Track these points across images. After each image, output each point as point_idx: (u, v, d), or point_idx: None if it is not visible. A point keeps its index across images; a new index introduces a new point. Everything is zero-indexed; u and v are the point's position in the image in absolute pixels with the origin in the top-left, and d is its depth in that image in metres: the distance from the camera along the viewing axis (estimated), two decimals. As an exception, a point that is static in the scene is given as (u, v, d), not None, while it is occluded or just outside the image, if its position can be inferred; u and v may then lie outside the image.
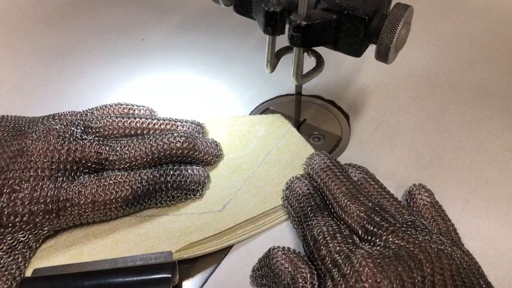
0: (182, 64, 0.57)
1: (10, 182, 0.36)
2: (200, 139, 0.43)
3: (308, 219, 0.37)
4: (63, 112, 0.43)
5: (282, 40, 0.39)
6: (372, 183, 0.40)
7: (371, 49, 0.38)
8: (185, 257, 0.37)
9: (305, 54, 0.42)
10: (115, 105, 0.46)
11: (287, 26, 0.37)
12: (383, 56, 0.37)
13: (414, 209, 0.39)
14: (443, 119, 0.49)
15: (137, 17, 0.65)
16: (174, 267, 0.35)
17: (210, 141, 0.44)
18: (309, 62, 0.42)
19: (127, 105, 0.46)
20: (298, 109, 0.47)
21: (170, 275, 0.34)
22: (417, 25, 0.60)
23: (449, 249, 0.32)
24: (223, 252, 0.39)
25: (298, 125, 0.49)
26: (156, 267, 0.35)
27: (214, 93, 0.53)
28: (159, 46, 0.60)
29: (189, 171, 0.40)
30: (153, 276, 0.34)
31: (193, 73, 0.56)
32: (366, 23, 0.36)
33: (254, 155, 0.45)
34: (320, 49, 0.41)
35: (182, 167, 0.41)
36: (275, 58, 0.42)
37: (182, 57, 0.59)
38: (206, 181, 0.41)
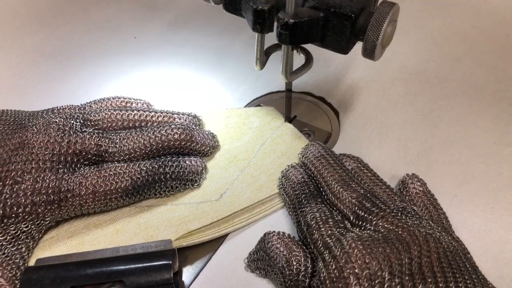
0: (174, 62, 0.58)
1: (12, 174, 0.37)
2: (197, 130, 0.44)
3: (302, 205, 0.38)
4: (62, 106, 0.44)
5: (272, 38, 0.40)
6: (366, 171, 0.41)
7: (360, 45, 0.39)
8: (184, 245, 0.38)
9: (294, 51, 0.42)
10: (112, 98, 0.47)
11: (275, 23, 0.38)
12: (369, 53, 0.37)
13: (407, 197, 0.40)
14: (431, 114, 0.50)
15: (129, 15, 0.65)
16: (174, 255, 0.36)
17: (207, 132, 0.45)
18: (298, 59, 0.43)
19: (124, 98, 0.47)
20: (288, 106, 0.48)
21: (170, 262, 0.35)
22: (406, 22, 0.61)
23: (437, 233, 0.33)
24: (220, 239, 0.40)
25: (289, 121, 0.49)
26: (157, 255, 0.35)
27: (206, 90, 0.54)
28: (151, 44, 0.61)
29: (187, 162, 0.42)
30: (154, 263, 0.35)
31: (185, 71, 0.57)
32: (353, 21, 0.36)
33: (249, 145, 0.46)
34: (310, 46, 0.41)
35: (180, 158, 0.42)
36: (264, 55, 0.42)
37: (174, 54, 0.59)
38: (203, 171, 0.43)
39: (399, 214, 0.34)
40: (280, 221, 0.41)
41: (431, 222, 0.35)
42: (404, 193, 0.41)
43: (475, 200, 0.42)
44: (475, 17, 0.63)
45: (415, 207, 0.37)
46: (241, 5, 0.41)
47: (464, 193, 0.42)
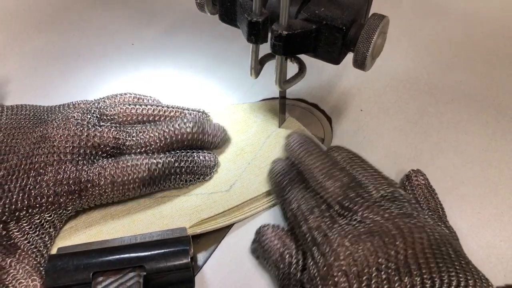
0: (170, 68, 0.59)
1: (35, 166, 0.39)
2: (208, 123, 0.46)
3: (285, 192, 0.39)
4: (77, 101, 0.46)
5: (266, 46, 0.41)
6: (354, 158, 0.41)
7: (352, 55, 0.40)
8: (198, 232, 0.41)
9: (288, 60, 0.43)
10: (124, 94, 0.49)
11: (269, 34, 0.39)
12: (360, 64, 0.38)
13: (409, 188, 0.42)
14: (422, 121, 0.51)
15: (126, 22, 0.66)
16: (189, 241, 0.38)
17: (217, 124, 0.47)
18: (292, 67, 0.44)
19: (135, 95, 0.49)
20: (282, 112, 0.49)
21: (188, 247, 0.37)
22: (398, 30, 0.62)
23: (422, 219, 0.34)
24: (229, 226, 0.43)
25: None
26: (174, 241, 0.38)
27: (201, 96, 0.55)
28: (148, 50, 0.62)
29: (200, 157, 0.44)
30: (172, 249, 0.37)
31: (181, 77, 0.58)
32: (344, 33, 0.37)
33: (255, 138, 0.48)
34: (303, 55, 0.42)
35: (194, 153, 0.44)
36: (259, 64, 0.43)
37: (170, 61, 0.60)
38: (215, 165, 0.45)
39: (383, 203, 0.35)
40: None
41: (418, 206, 0.36)
42: (407, 184, 0.43)
43: (462, 206, 0.43)
44: (465, 26, 0.64)
45: (403, 191, 0.37)
46: (236, 16, 0.42)
47: (452, 199, 0.44)
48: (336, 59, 0.40)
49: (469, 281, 0.30)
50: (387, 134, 0.50)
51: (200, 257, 0.41)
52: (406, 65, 0.58)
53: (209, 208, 0.42)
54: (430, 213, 0.38)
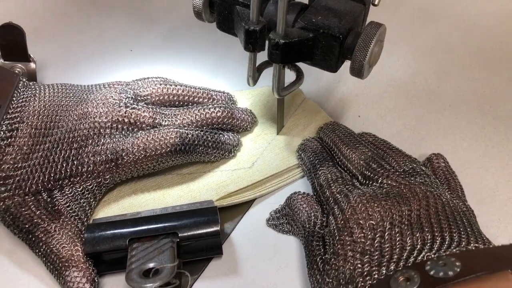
0: (169, 75, 0.59)
1: (77, 139, 0.42)
2: (237, 108, 0.49)
3: (316, 169, 0.43)
4: (111, 82, 0.49)
5: (264, 53, 0.41)
6: (380, 139, 0.47)
7: (349, 62, 0.40)
8: (224, 204, 0.44)
9: (286, 67, 0.44)
10: (153, 77, 0.51)
11: (267, 43, 0.39)
12: (357, 72, 0.39)
13: (430, 170, 0.44)
14: (419, 128, 0.51)
15: (125, 29, 0.67)
16: (217, 212, 0.40)
17: (244, 109, 0.50)
18: (290, 73, 0.44)
19: (163, 78, 0.51)
20: (281, 117, 0.49)
21: (218, 217, 0.40)
22: (396, 36, 0.62)
23: (440, 191, 0.37)
24: (251, 201, 0.46)
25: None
26: (204, 211, 0.40)
27: (200, 103, 0.55)
28: (147, 57, 0.62)
29: (225, 136, 0.47)
30: (203, 218, 0.40)
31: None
32: (341, 41, 0.38)
33: (274, 120, 0.50)
34: (300, 62, 0.42)
35: (219, 132, 0.47)
36: (256, 72, 0.43)
37: (169, 67, 0.60)
38: (238, 144, 0.48)
39: (403, 174, 0.39)
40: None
41: (438, 182, 0.39)
42: (428, 166, 0.45)
43: (460, 212, 0.43)
44: (462, 31, 0.64)
45: (424, 168, 0.41)
46: (233, 24, 0.42)
47: (450, 205, 0.44)
48: (333, 67, 0.40)
49: (479, 245, 0.32)
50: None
51: (226, 227, 0.44)
52: (403, 71, 0.59)
53: (234, 183, 0.45)
54: (449, 192, 0.40)
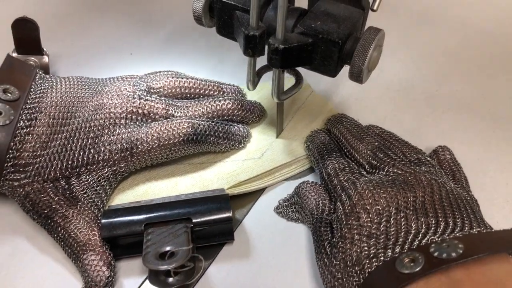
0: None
1: (94, 129, 0.44)
2: (246, 101, 0.50)
3: (324, 159, 0.44)
4: (124, 75, 0.50)
5: (264, 58, 0.41)
6: (386, 131, 0.48)
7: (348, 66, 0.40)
8: (235, 193, 0.45)
9: (286, 71, 0.44)
10: (164, 71, 0.52)
11: (266, 47, 0.40)
12: (356, 77, 0.39)
13: (436, 161, 0.45)
14: (418, 131, 0.52)
15: (125, 32, 0.67)
16: (228, 199, 0.42)
17: (254, 102, 0.51)
18: (290, 76, 0.45)
19: (174, 72, 0.52)
20: (281, 120, 0.49)
21: (229, 204, 0.41)
22: (395, 39, 0.63)
23: (446, 181, 0.38)
24: (261, 190, 0.47)
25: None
26: (217, 198, 0.42)
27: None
28: (147, 60, 0.62)
29: (235, 127, 0.49)
30: (216, 204, 0.41)
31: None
32: (340, 47, 0.38)
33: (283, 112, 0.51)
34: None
35: (230, 123, 0.49)
36: (256, 76, 0.44)
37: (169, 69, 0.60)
38: (247, 136, 0.49)
39: (409, 163, 0.40)
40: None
41: (442, 172, 0.41)
42: (434, 158, 0.46)
43: (458, 216, 0.44)
44: (461, 35, 0.65)
45: (429, 159, 0.42)
46: (233, 29, 0.42)
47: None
48: (332, 72, 0.40)
49: (482, 230, 0.33)
50: (383, 143, 0.50)
51: (237, 214, 0.45)
52: (402, 74, 0.59)
53: (244, 173, 0.46)
54: (453, 182, 0.41)
